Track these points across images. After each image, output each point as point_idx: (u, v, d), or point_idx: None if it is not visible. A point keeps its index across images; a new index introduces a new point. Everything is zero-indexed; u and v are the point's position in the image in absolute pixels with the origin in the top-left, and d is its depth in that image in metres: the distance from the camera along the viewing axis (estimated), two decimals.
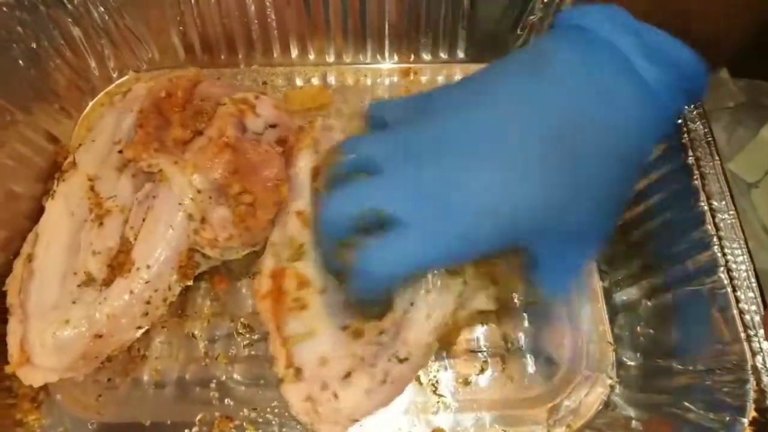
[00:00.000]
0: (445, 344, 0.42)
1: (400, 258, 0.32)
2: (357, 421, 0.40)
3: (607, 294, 0.49)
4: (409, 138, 0.34)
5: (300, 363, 0.39)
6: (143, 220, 0.42)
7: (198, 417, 0.44)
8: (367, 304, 0.38)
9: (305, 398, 0.39)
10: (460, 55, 0.59)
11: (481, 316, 0.46)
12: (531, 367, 0.46)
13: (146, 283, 0.40)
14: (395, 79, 0.59)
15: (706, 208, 0.42)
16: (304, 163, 0.45)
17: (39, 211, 0.46)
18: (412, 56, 0.59)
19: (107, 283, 0.41)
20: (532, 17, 0.56)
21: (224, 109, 0.45)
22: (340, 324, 0.40)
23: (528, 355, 0.46)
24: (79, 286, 0.41)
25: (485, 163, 0.32)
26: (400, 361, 0.39)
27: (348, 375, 0.38)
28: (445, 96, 0.37)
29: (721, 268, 0.40)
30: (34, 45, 0.51)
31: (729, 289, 0.39)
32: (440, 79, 0.59)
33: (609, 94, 0.34)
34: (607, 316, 0.48)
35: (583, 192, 0.33)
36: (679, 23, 0.35)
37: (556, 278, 0.37)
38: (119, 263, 0.41)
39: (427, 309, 0.39)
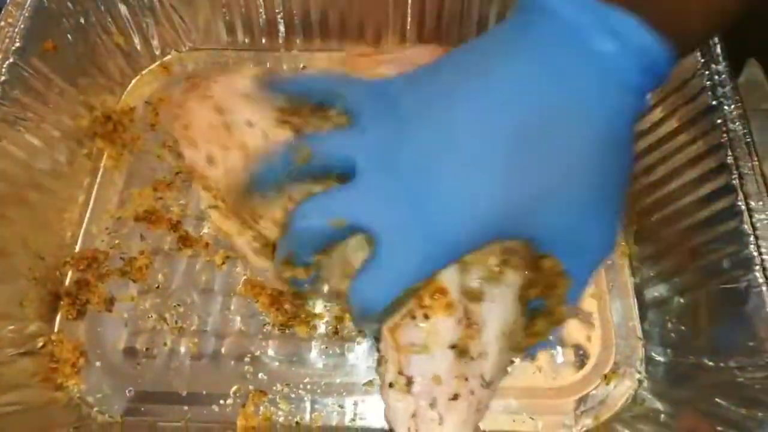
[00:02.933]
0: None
1: (392, 280, 0.33)
2: None
3: (638, 290, 0.49)
4: (387, 142, 0.34)
5: (413, 374, 0.37)
6: None
7: (233, 389, 0.44)
8: (369, 321, 0.39)
9: (411, 414, 0.37)
10: None
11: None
12: (560, 358, 0.47)
13: None
14: None
15: (743, 207, 0.42)
16: None
17: (81, 179, 0.50)
18: None
19: None
20: None
21: None
22: (449, 342, 0.37)
23: (557, 346, 0.47)
24: None
25: (458, 168, 0.32)
26: (487, 385, 0.38)
27: (455, 397, 0.37)
28: (413, 89, 0.35)
29: (757, 267, 0.40)
30: (82, 20, 0.52)
31: (764, 288, 0.39)
32: None
33: (571, 80, 0.32)
34: (637, 312, 0.48)
35: (568, 184, 0.33)
36: None
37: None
38: None
39: (493, 327, 0.38)
